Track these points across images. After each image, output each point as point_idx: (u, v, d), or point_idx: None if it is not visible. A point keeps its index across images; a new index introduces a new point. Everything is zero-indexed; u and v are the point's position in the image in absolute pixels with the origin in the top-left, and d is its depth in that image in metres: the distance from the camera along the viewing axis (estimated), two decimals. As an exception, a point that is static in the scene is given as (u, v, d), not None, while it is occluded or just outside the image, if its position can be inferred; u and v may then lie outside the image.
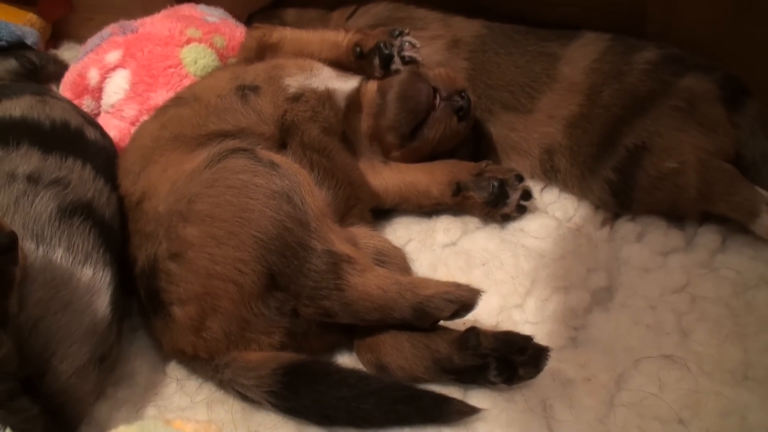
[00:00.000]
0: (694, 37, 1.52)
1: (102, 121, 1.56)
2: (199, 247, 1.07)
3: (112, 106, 1.58)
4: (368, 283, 1.06)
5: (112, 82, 1.59)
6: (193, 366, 1.15)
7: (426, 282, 1.09)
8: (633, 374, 1.10)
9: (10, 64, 1.69)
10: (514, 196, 1.40)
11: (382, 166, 1.45)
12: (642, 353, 1.13)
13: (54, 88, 1.68)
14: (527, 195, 1.42)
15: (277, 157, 1.15)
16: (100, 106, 1.61)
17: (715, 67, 1.41)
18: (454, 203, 1.43)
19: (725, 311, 1.19)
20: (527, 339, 1.04)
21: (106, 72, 1.59)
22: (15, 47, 1.78)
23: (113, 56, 1.60)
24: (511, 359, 1.03)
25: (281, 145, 1.28)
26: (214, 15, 1.76)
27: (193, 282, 1.08)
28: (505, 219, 1.42)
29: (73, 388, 1.01)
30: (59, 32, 2.19)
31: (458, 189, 1.41)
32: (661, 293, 1.24)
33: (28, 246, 1.03)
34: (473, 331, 1.04)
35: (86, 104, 1.61)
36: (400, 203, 1.46)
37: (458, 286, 1.07)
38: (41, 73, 1.74)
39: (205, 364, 1.12)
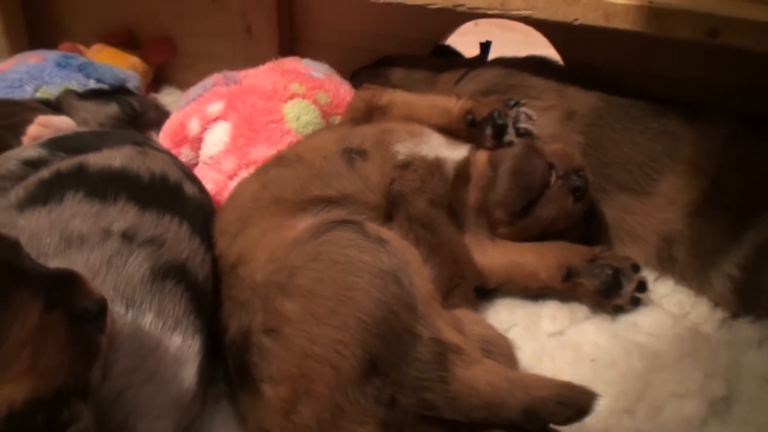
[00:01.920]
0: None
1: (199, 171, 1.53)
2: (297, 324, 1.00)
3: (211, 157, 1.54)
4: (476, 377, 0.96)
5: (213, 134, 1.56)
6: (279, 450, 1.07)
7: (537, 380, 0.99)
8: (759, 505, 0.98)
9: (112, 109, 1.67)
10: (629, 287, 1.30)
11: (489, 243, 1.37)
12: (767, 481, 1.01)
13: (153, 134, 1.66)
14: (643, 287, 1.31)
15: (385, 233, 1.07)
16: (199, 156, 1.58)
17: None
18: (563, 289, 1.33)
19: None
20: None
21: (207, 123, 1.56)
22: (117, 91, 1.78)
23: (215, 107, 1.57)
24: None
25: (386, 217, 1.22)
26: (319, 71, 1.72)
27: (288, 361, 1.00)
28: (617, 311, 1.31)
29: (153, 466, 0.94)
30: (160, 76, 2.22)
31: (569, 274, 1.31)
32: (787, 410, 1.12)
33: (117, 310, 0.97)
34: (594, 448, 0.94)
35: (184, 154, 1.58)
36: (505, 284, 1.36)
37: (573, 387, 0.96)
38: (141, 119, 1.72)
39: (292, 449, 1.04)
